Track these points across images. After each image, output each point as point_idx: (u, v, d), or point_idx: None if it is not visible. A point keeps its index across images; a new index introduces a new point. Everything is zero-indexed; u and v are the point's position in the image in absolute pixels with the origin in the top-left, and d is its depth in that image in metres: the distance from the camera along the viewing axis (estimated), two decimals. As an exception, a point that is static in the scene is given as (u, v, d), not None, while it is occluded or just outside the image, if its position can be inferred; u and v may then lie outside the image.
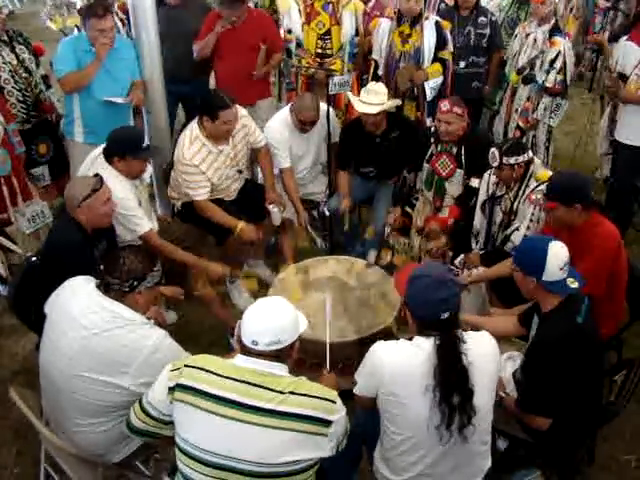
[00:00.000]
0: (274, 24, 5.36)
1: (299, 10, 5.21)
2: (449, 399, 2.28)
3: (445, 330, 2.35)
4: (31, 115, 4.66)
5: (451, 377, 2.29)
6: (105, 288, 2.65)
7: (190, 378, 2.20)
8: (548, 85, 5.16)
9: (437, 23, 5.00)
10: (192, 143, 4.12)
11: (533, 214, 3.71)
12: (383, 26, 5.08)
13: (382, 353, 2.42)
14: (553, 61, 5.12)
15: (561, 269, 2.71)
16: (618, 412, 2.95)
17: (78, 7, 6.44)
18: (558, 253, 2.73)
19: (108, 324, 2.55)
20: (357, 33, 5.35)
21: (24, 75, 4.59)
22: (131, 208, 3.70)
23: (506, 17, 5.95)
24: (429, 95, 5.03)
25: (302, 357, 3.10)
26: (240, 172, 4.44)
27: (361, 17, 5.37)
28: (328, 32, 5.22)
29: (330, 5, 5.17)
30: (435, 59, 5.02)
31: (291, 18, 5.25)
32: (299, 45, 5.28)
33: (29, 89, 4.62)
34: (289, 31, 5.30)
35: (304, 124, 4.56)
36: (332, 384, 2.70)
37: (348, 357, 3.23)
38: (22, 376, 3.86)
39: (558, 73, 5.13)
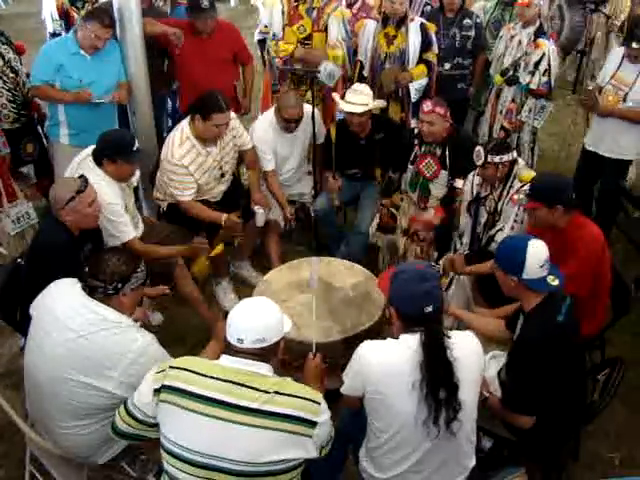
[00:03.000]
0: (241, 35, 5.27)
1: (282, 11, 5.14)
2: (435, 393, 2.30)
3: (430, 325, 2.37)
4: (21, 114, 4.65)
5: (437, 371, 2.32)
6: (90, 291, 2.64)
7: (175, 379, 2.20)
8: (532, 87, 5.20)
9: (422, 25, 5.03)
10: (182, 143, 4.12)
11: (517, 214, 3.74)
12: (368, 27, 5.10)
13: (368, 352, 2.44)
14: (538, 63, 5.16)
15: (541, 267, 2.74)
16: (601, 410, 2.97)
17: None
18: (537, 251, 2.75)
19: (93, 326, 2.55)
20: (349, 36, 5.34)
21: (11, 75, 4.58)
22: (118, 214, 3.68)
23: (491, 19, 5.98)
24: (414, 96, 5.06)
25: (288, 358, 3.11)
26: (222, 176, 4.44)
27: (347, 23, 5.32)
28: (309, 37, 5.15)
29: (315, 11, 5.10)
30: (420, 61, 5.05)
31: (273, 17, 5.15)
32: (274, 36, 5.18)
33: (17, 88, 4.62)
34: (265, 25, 5.22)
35: (289, 122, 4.55)
36: (316, 369, 2.68)
37: (334, 357, 3.23)
38: (7, 378, 3.83)
39: (543, 75, 5.16)
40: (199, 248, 4.04)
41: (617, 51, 4.90)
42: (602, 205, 5.03)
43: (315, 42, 5.15)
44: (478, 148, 3.75)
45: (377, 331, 3.45)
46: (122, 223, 3.72)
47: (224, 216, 4.22)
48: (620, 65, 4.72)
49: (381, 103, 4.76)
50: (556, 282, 2.77)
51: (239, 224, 4.30)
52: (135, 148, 3.69)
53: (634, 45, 4.54)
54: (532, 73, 5.18)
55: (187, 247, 4.01)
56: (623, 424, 3.61)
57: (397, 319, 2.47)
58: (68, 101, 4.39)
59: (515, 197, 3.48)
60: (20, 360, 2.90)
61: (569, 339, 2.77)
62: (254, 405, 2.12)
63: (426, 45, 5.03)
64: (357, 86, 4.58)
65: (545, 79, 5.17)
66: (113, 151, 3.65)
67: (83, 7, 5.72)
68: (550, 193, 3.27)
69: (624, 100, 4.67)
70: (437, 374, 2.31)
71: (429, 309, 2.35)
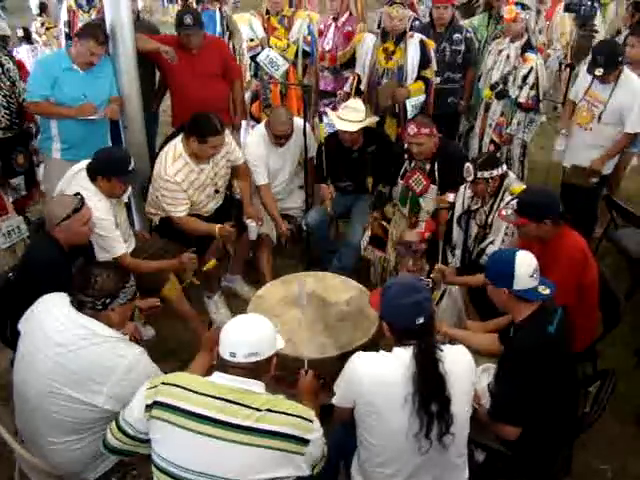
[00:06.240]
0: (229, 48, 5.33)
1: (263, 26, 5.29)
2: (427, 407, 2.31)
3: (422, 337, 2.39)
4: (14, 122, 4.66)
5: (429, 384, 2.32)
6: (78, 306, 2.62)
7: (167, 395, 2.19)
8: (521, 101, 5.24)
9: (422, 41, 5.05)
10: (175, 160, 4.13)
11: (508, 227, 3.74)
12: (368, 41, 5.14)
13: (360, 364, 2.44)
14: (526, 77, 5.21)
15: (531, 277, 2.75)
16: (592, 422, 2.98)
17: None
18: (525, 262, 2.77)
19: (82, 341, 2.54)
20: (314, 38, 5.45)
21: (8, 83, 4.62)
22: (109, 230, 3.69)
23: (488, 36, 6.00)
24: (410, 113, 5.06)
25: (282, 374, 3.09)
26: (217, 192, 4.46)
27: (315, 26, 5.45)
28: (288, 45, 5.33)
29: (285, 19, 5.29)
30: (418, 77, 5.07)
31: (253, 26, 5.27)
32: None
33: (13, 96, 4.65)
34: (252, 39, 5.32)
35: (279, 138, 4.60)
36: (310, 384, 2.72)
37: (328, 373, 3.22)
38: (-3, 393, 3.81)
39: (531, 89, 5.21)
40: (188, 263, 4.03)
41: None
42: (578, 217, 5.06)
43: (290, 51, 5.32)
44: (467, 165, 3.76)
45: (373, 344, 3.44)
46: (113, 239, 3.72)
47: (217, 227, 4.23)
48: (593, 81, 4.81)
49: (374, 120, 4.79)
50: (547, 291, 2.78)
51: (233, 232, 4.31)
52: (131, 168, 3.71)
53: (597, 73, 4.66)
54: (520, 87, 5.23)
55: (175, 262, 4.01)
56: (615, 436, 3.61)
57: (390, 333, 2.49)
58: (71, 115, 4.39)
59: (503, 213, 3.49)
60: (10, 375, 2.87)
61: (559, 351, 2.77)
62: (246, 423, 2.11)
63: (425, 62, 5.06)
64: (351, 102, 4.60)
65: (533, 93, 5.22)
66: (110, 169, 3.66)
67: (89, 11, 5.79)
68: (537, 209, 3.29)
69: (599, 119, 4.74)
70: (429, 387, 2.32)
71: (421, 320, 2.37)
